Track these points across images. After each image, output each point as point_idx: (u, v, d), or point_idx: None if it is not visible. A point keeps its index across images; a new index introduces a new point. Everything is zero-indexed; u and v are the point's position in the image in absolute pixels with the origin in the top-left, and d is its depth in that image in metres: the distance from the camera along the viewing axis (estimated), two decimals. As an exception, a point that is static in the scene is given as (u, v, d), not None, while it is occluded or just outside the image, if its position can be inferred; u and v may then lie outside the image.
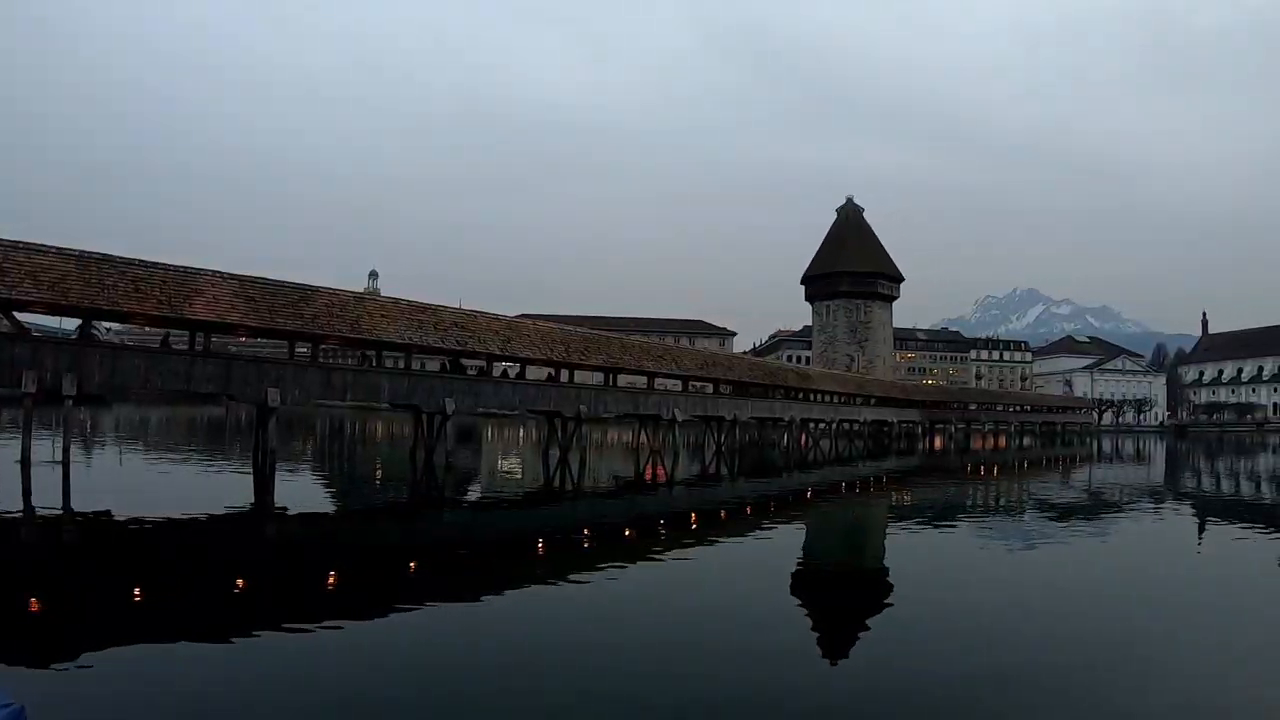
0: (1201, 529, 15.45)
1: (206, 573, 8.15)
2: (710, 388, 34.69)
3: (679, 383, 32.25)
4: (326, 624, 6.16)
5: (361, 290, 25.92)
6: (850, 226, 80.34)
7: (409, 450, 24.06)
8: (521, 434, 50.83)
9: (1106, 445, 61.74)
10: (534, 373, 26.27)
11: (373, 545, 10.32)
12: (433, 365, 27.73)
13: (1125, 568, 10.60)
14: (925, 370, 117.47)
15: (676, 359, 31.41)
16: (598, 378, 28.47)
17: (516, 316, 27.42)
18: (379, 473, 21.52)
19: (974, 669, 5.75)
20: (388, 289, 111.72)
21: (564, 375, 26.53)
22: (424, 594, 7.44)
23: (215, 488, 15.71)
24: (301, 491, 15.91)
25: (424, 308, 21.67)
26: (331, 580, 8.06)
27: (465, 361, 23.86)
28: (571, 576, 8.39)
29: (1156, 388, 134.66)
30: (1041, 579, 9.57)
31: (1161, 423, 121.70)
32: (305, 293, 18.53)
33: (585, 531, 12.08)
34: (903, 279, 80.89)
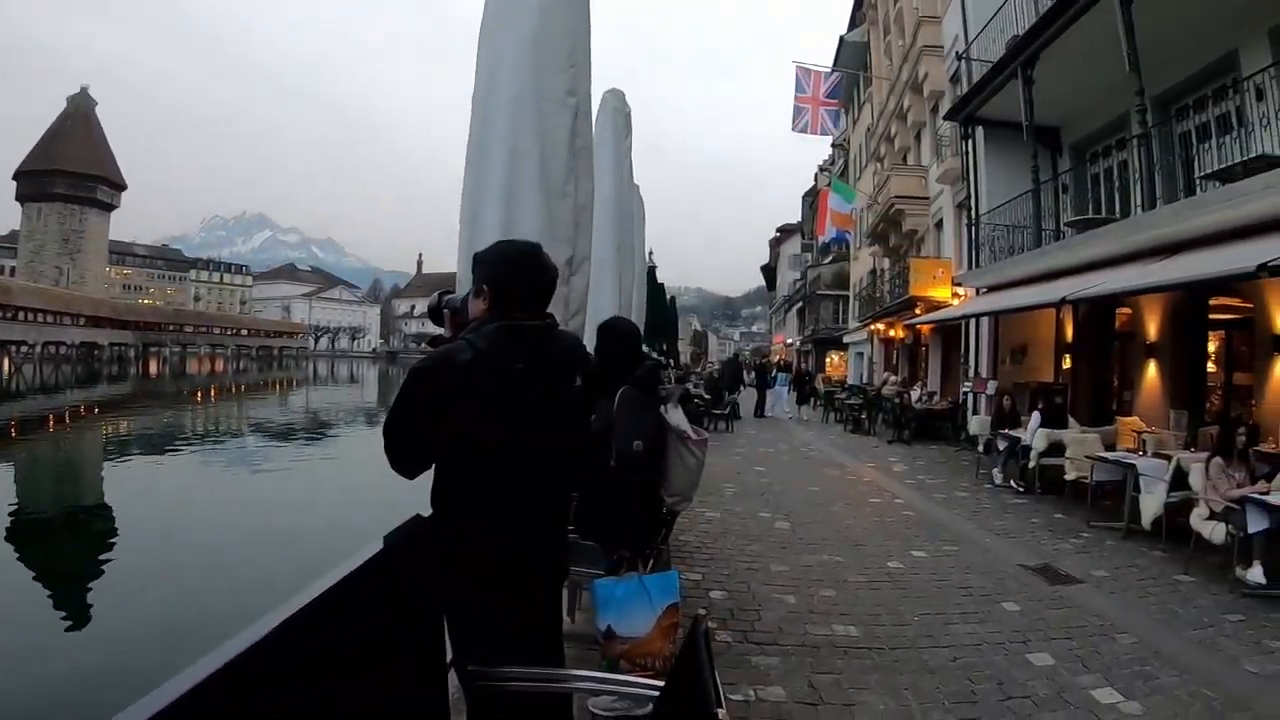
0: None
1: None
2: None
3: None
4: None
5: None
6: (78, 120, 69.86)
7: None
8: None
9: (323, 369, 63.89)
10: None
11: None
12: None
13: (346, 482, 11.18)
14: (142, 289, 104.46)
15: None
16: None
17: None
18: None
19: (222, 608, 5.30)
20: None
21: None
22: None
23: None
24: None
25: None
26: None
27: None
28: None
29: (371, 317, 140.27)
30: (268, 500, 9.97)
31: (374, 349, 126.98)
32: None
33: None
34: (125, 187, 74.89)
